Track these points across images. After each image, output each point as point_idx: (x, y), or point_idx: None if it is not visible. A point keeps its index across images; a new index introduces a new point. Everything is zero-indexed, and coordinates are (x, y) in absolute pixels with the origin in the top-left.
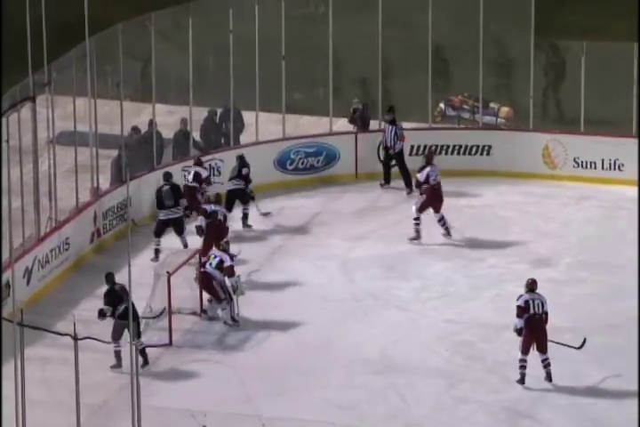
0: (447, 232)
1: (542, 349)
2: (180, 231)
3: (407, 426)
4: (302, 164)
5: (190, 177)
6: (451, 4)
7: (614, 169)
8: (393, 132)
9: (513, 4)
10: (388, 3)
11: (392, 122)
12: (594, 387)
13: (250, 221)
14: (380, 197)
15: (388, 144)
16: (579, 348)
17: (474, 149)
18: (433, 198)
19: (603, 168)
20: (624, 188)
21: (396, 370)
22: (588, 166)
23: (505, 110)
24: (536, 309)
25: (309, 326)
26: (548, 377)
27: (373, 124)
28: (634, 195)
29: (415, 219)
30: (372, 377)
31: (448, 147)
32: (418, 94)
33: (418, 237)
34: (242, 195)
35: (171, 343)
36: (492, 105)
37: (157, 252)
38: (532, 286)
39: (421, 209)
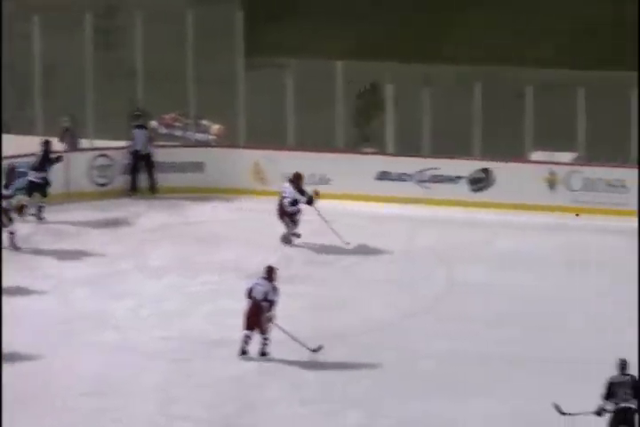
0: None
1: (261, 331)
2: None
3: None
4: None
5: None
6: (159, 25)
7: (322, 183)
8: (143, 136)
9: (223, 22)
10: (97, 24)
11: (141, 126)
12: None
13: None
14: (94, 216)
15: (139, 148)
16: (314, 351)
17: (187, 166)
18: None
19: (311, 183)
20: (332, 202)
21: (110, 391)
22: None
23: (216, 128)
24: (257, 295)
25: (23, 350)
26: (262, 353)
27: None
28: (341, 208)
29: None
30: (85, 400)
31: (161, 164)
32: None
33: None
34: None
35: None
36: (203, 122)
37: None
38: (267, 273)
39: None
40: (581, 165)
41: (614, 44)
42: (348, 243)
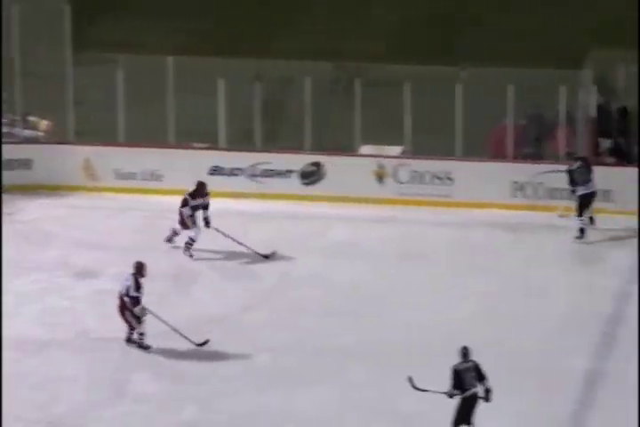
0: None
1: (129, 326)
2: None
3: None
4: None
5: None
6: None
7: (154, 180)
8: None
9: (51, 16)
10: None
11: None
12: None
13: None
14: None
15: None
16: (200, 345)
17: (14, 163)
18: None
19: (142, 179)
20: (164, 197)
21: None
22: (129, 177)
23: (44, 123)
24: (122, 289)
25: None
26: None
27: None
28: (174, 204)
29: None
30: None
31: None
32: None
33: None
34: None
35: None
36: (31, 118)
37: None
38: (135, 268)
39: None
40: (408, 158)
41: (437, 39)
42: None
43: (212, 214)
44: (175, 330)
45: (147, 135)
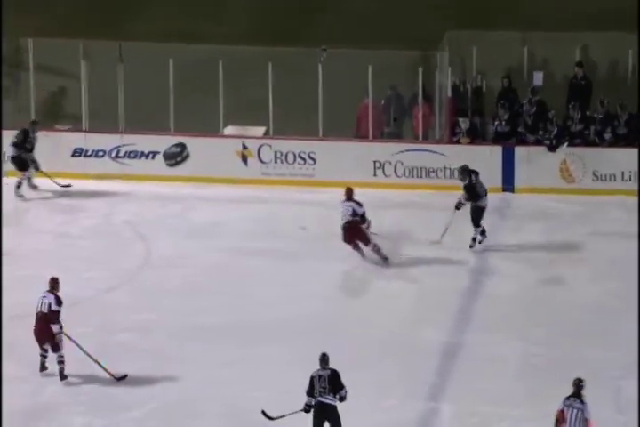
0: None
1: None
2: None
3: None
4: None
5: None
6: None
7: None
8: None
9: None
10: None
11: None
12: None
13: None
14: None
15: None
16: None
17: None
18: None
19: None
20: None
21: None
22: None
23: None
24: (42, 307)
25: None
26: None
27: None
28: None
29: None
30: None
31: None
32: None
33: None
34: None
35: None
36: None
37: None
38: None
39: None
40: (271, 138)
41: (298, 19)
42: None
43: (76, 196)
44: (96, 361)
45: (8, 118)
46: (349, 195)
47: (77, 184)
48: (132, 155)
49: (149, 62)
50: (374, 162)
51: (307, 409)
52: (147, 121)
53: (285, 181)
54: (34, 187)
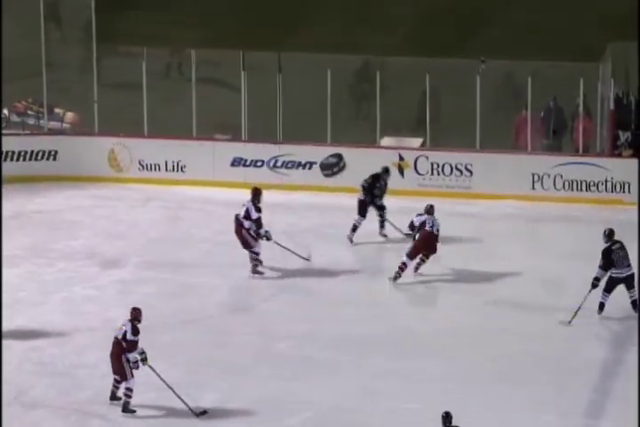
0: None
1: (121, 376)
2: None
3: None
4: None
5: None
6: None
7: (177, 171)
8: None
9: (76, 9)
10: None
11: None
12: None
13: None
14: None
15: None
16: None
17: (40, 155)
18: (425, 245)
19: (166, 170)
20: (187, 188)
21: None
22: (153, 169)
23: (70, 115)
24: (117, 333)
25: None
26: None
27: None
28: (196, 195)
29: (402, 263)
30: None
31: (13, 153)
32: None
33: (397, 276)
34: None
35: None
36: (56, 110)
37: None
38: (429, 210)
39: (412, 255)
40: (428, 149)
41: (458, 31)
42: (307, 259)
43: (235, 205)
44: (175, 393)
45: (170, 127)
46: (255, 195)
47: (234, 194)
48: (289, 165)
49: (307, 73)
50: (532, 174)
51: None
52: (304, 131)
53: (442, 192)
54: None
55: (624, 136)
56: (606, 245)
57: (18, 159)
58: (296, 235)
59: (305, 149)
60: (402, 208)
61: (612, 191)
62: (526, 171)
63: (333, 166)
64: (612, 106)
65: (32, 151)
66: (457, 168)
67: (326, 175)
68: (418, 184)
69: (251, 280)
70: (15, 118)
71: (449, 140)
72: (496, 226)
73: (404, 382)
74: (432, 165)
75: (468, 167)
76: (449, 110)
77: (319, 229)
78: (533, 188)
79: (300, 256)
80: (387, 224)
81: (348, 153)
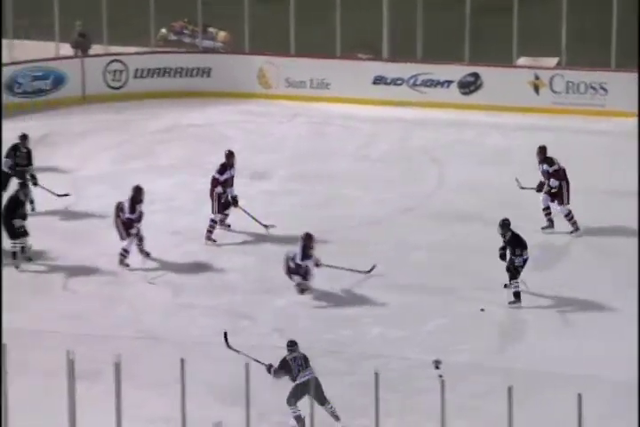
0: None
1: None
2: None
3: (138, 332)
4: (30, 87)
5: None
6: None
7: (322, 88)
8: None
9: None
10: None
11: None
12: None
13: None
14: (108, 118)
15: None
16: (368, 272)
17: (195, 72)
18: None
19: (311, 87)
20: (331, 105)
21: (125, 281)
22: (299, 86)
23: (222, 35)
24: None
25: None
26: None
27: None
28: (340, 111)
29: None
30: (101, 287)
31: (170, 69)
32: (139, 19)
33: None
34: None
35: None
36: (210, 30)
37: None
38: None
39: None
40: (564, 68)
41: None
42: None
43: (378, 121)
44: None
45: (315, 46)
46: (228, 159)
47: (377, 111)
48: (428, 83)
49: None
50: None
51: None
52: (443, 51)
53: (576, 110)
54: None
55: None
56: None
57: (175, 75)
58: (435, 150)
59: (443, 68)
60: (535, 125)
61: None
62: None
63: (470, 85)
64: None
65: (188, 68)
66: (592, 87)
67: (464, 93)
68: (552, 102)
69: (387, 193)
70: (172, 37)
71: (584, 60)
72: (627, 143)
73: None
74: (567, 83)
75: (603, 86)
76: (584, 30)
77: (455, 145)
78: None
79: (261, 224)
80: None
81: (486, 72)
